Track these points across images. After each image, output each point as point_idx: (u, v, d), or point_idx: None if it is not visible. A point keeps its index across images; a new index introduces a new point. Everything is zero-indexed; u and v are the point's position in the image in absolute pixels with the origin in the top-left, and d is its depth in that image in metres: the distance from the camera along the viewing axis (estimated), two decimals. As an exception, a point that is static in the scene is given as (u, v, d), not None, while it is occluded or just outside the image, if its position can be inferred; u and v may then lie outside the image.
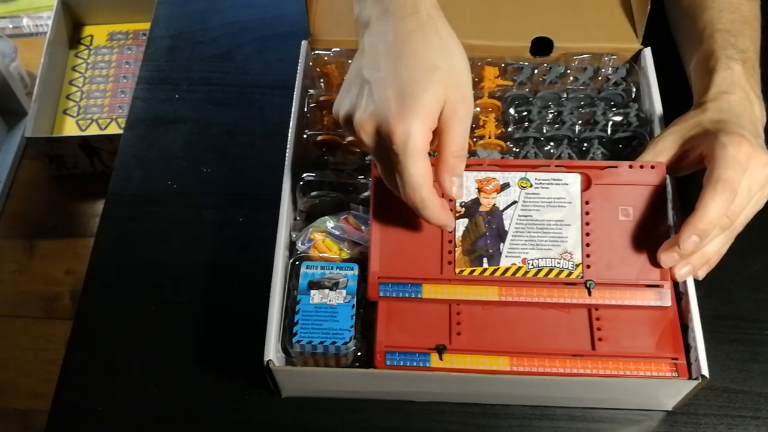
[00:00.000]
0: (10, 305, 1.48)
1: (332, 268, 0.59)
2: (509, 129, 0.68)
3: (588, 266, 0.56)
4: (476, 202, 0.57)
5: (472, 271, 0.56)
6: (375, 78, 0.49)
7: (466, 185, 0.57)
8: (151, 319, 0.66)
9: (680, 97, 0.65)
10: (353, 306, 0.57)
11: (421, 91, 0.48)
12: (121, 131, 0.84)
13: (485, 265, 0.56)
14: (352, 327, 0.56)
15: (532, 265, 0.56)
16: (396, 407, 0.61)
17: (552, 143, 0.67)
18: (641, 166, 0.57)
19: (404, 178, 0.49)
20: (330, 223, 0.61)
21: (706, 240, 0.53)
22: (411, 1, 0.50)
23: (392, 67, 0.49)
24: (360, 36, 0.53)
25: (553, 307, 0.56)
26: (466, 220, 0.57)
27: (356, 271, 0.58)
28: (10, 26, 1.83)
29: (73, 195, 1.62)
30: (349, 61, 0.72)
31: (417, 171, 0.48)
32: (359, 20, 0.53)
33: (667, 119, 0.63)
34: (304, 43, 0.71)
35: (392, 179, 0.51)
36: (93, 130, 1.63)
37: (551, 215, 0.57)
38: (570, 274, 0.56)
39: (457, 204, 0.57)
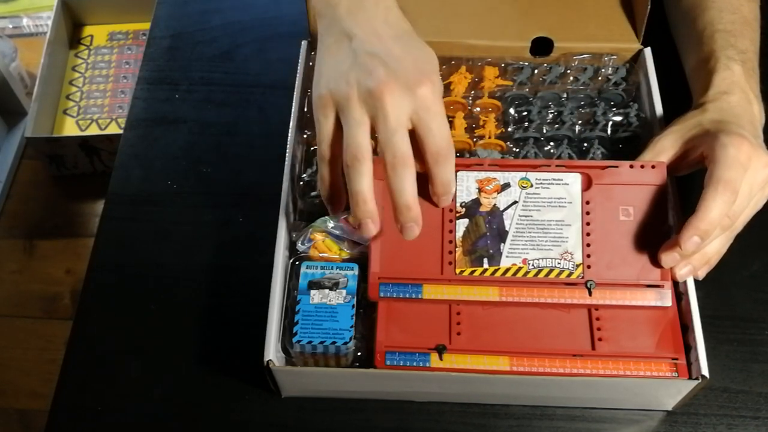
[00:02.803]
0: (10, 305, 1.48)
1: (332, 268, 0.59)
2: (509, 129, 0.68)
3: (588, 266, 0.56)
4: (476, 202, 0.57)
5: (473, 272, 0.56)
6: (384, 52, 0.51)
7: (466, 185, 0.58)
8: (151, 319, 0.66)
9: (680, 97, 0.65)
10: (353, 306, 0.57)
11: (431, 58, 0.53)
12: (121, 131, 0.84)
13: (486, 266, 0.56)
14: (352, 327, 0.56)
15: (533, 265, 0.56)
16: (396, 407, 0.61)
17: (552, 143, 0.67)
18: (642, 166, 0.57)
19: (433, 135, 0.50)
20: (330, 223, 0.61)
21: (708, 240, 0.53)
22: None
23: (399, 42, 0.52)
24: (329, 18, 0.54)
25: (553, 307, 0.56)
26: (466, 221, 0.57)
27: (356, 271, 0.58)
28: (10, 26, 1.83)
29: (73, 195, 1.62)
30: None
31: (447, 128, 0.51)
32: (331, 3, 0.54)
33: (667, 119, 0.63)
34: (304, 43, 0.71)
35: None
36: (93, 130, 1.63)
37: (552, 215, 0.57)
38: (570, 274, 0.56)
39: (458, 204, 0.57)
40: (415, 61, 0.51)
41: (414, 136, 0.51)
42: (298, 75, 0.68)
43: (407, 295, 0.56)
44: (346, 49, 0.52)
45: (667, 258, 0.54)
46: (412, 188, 0.50)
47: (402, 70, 0.50)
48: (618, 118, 0.68)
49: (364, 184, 0.50)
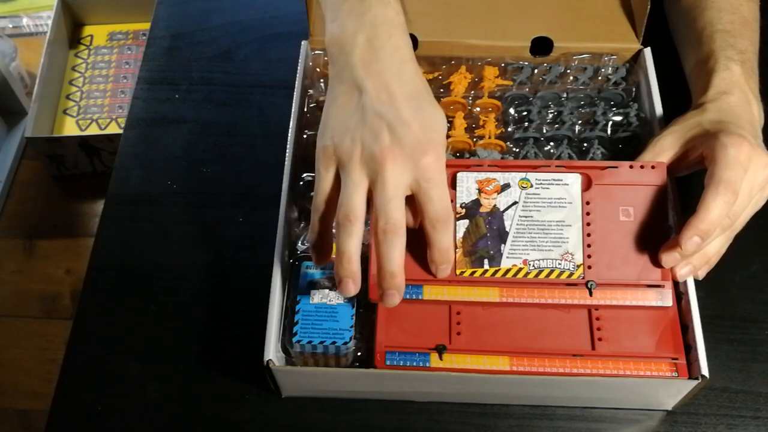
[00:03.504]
0: (10, 305, 1.48)
1: (332, 268, 0.59)
2: (509, 129, 0.68)
3: (589, 267, 0.56)
4: (476, 203, 0.57)
5: (473, 273, 0.56)
6: (392, 115, 0.50)
7: (466, 185, 0.57)
8: (151, 319, 0.66)
9: (680, 97, 0.65)
10: (353, 306, 0.57)
11: (440, 121, 0.52)
12: (121, 131, 0.84)
13: (486, 267, 0.56)
14: (352, 327, 0.56)
15: (533, 266, 0.56)
16: (396, 407, 0.61)
17: (552, 143, 0.67)
18: (642, 166, 0.57)
19: (433, 204, 0.50)
20: (330, 223, 0.61)
21: (708, 240, 0.53)
22: (407, 50, 0.52)
23: (410, 103, 0.50)
24: (341, 65, 0.52)
25: (554, 307, 0.56)
26: (466, 222, 0.57)
27: (356, 271, 0.58)
28: (10, 26, 1.83)
29: (73, 195, 1.62)
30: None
31: (447, 196, 0.51)
32: (345, 50, 0.52)
33: (667, 119, 0.63)
34: (304, 43, 0.71)
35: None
36: (93, 130, 1.63)
37: (552, 216, 0.57)
38: (571, 275, 0.56)
39: (458, 205, 0.57)
40: (423, 126, 0.50)
41: (413, 201, 0.51)
42: (298, 75, 0.68)
43: (408, 296, 0.56)
44: (355, 104, 0.51)
45: (668, 258, 0.54)
46: (400, 257, 0.50)
47: (408, 138, 0.49)
48: (618, 118, 0.68)
49: (351, 245, 0.50)
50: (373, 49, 0.51)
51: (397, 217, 0.50)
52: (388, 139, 0.49)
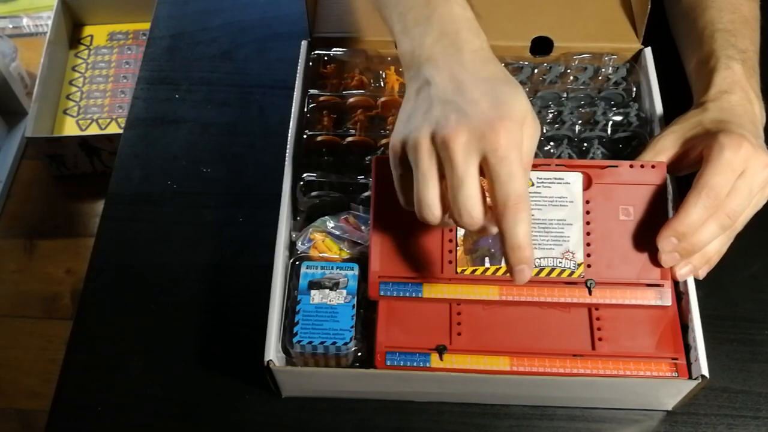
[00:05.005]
0: (10, 305, 1.48)
1: (332, 268, 0.59)
2: (509, 129, 0.68)
3: (589, 266, 0.56)
4: (476, 202, 0.57)
5: (474, 271, 0.56)
6: (461, 98, 0.46)
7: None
8: (151, 319, 0.66)
9: (680, 97, 0.65)
10: (353, 306, 0.57)
11: (518, 101, 0.46)
12: (121, 131, 0.84)
13: (487, 265, 0.56)
14: (352, 327, 0.56)
15: (535, 264, 0.56)
16: (396, 407, 0.61)
17: (552, 143, 0.67)
18: (642, 166, 0.57)
19: (500, 183, 0.45)
20: (330, 223, 0.61)
21: (686, 241, 0.53)
22: (477, 41, 0.50)
23: (480, 86, 0.47)
24: (414, 69, 0.50)
25: (553, 306, 0.56)
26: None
27: (356, 271, 0.58)
28: (10, 26, 1.83)
29: (73, 195, 1.62)
30: (348, 58, 0.72)
31: (521, 177, 0.45)
32: (415, 54, 0.51)
33: (667, 119, 0.63)
34: (304, 43, 0.71)
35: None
36: (93, 130, 1.63)
37: (553, 214, 0.57)
38: (572, 273, 0.56)
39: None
40: (494, 103, 0.45)
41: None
42: (298, 75, 0.68)
43: (407, 294, 0.56)
44: (422, 97, 0.49)
45: (668, 257, 0.54)
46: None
47: (475, 114, 0.45)
48: (618, 118, 0.68)
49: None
50: (441, 46, 0.50)
51: (469, 194, 0.45)
52: (454, 118, 0.45)
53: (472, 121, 0.45)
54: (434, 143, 0.46)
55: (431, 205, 0.47)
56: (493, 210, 0.46)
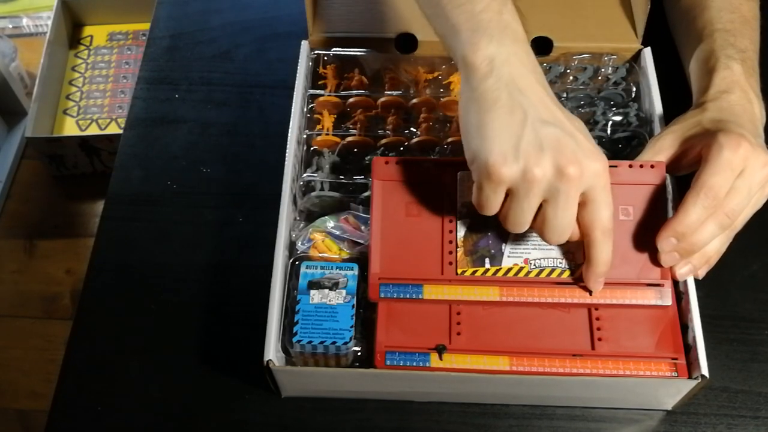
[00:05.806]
0: (10, 305, 1.48)
1: (332, 268, 0.59)
2: (509, 129, 0.68)
3: (588, 266, 0.56)
4: (476, 202, 0.57)
5: (474, 272, 0.56)
6: (563, 126, 0.49)
7: (467, 185, 0.57)
8: (151, 319, 0.66)
9: (680, 97, 0.65)
10: (353, 306, 0.57)
11: (585, 128, 0.51)
12: (121, 131, 0.84)
13: (487, 266, 0.56)
14: (352, 327, 0.56)
15: (534, 265, 0.56)
16: (396, 407, 0.61)
17: (552, 143, 0.67)
18: (641, 166, 0.57)
19: (608, 209, 0.50)
20: (330, 223, 0.61)
21: (685, 242, 0.53)
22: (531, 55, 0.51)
23: (563, 112, 0.50)
24: (494, 77, 0.49)
25: (553, 306, 0.56)
26: (468, 221, 0.57)
27: (356, 271, 0.58)
28: (10, 26, 1.83)
29: (73, 195, 1.62)
30: (348, 52, 0.72)
31: (611, 206, 0.50)
32: (491, 58, 0.49)
33: (667, 119, 0.63)
34: (304, 43, 0.71)
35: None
36: (93, 130, 1.63)
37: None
38: (572, 273, 0.56)
39: (459, 204, 0.57)
40: (585, 135, 0.49)
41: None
42: (298, 75, 0.68)
43: (408, 296, 0.56)
44: (519, 121, 0.48)
45: (667, 257, 0.54)
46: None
47: (582, 146, 0.48)
48: (618, 118, 0.68)
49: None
50: (522, 64, 0.49)
51: (570, 222, 0.50)
52: (570, 152, 0.47)
53: (586, 156, 0.48)
54: (550, 172, 0.47)
55: (524, 225, 0.50)
56: (583, 234, 0.51)
